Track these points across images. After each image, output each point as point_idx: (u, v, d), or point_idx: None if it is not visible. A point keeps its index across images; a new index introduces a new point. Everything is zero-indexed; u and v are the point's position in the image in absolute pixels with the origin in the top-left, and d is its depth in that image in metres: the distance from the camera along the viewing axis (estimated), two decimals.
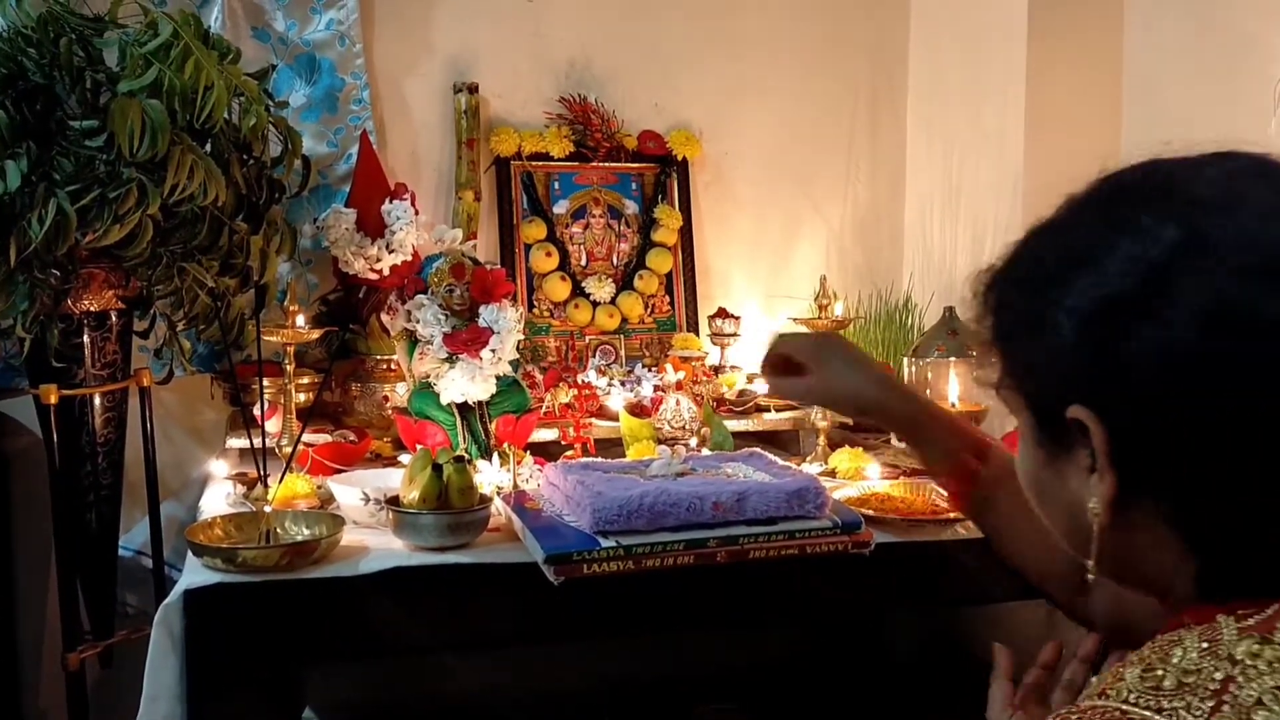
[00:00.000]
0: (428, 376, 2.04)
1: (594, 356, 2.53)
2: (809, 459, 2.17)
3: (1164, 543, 0.74)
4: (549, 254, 2.56)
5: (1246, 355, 0.67)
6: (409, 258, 2.28)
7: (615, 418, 2.19)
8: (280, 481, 1.84)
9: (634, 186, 2.67)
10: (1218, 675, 0.64)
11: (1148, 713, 0.63)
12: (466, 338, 2.01)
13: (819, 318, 2.18)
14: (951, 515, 1.81)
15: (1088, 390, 0.72)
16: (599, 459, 1.99)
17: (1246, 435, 0.68)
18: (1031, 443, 0.79)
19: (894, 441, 2.33)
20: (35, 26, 1.78)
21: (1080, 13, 2.43)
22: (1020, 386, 0.79)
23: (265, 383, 2.06)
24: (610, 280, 2.60)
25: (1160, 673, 0.66)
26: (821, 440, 2.19)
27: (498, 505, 1.77)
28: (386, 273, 2.27)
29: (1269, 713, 0.61)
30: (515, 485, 1.87)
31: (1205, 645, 0.66)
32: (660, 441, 2.11)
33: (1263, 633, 0.66)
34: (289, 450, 1.96)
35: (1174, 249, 0.70)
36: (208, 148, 1.90)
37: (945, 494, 1.64)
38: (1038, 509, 0.83)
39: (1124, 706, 0.64)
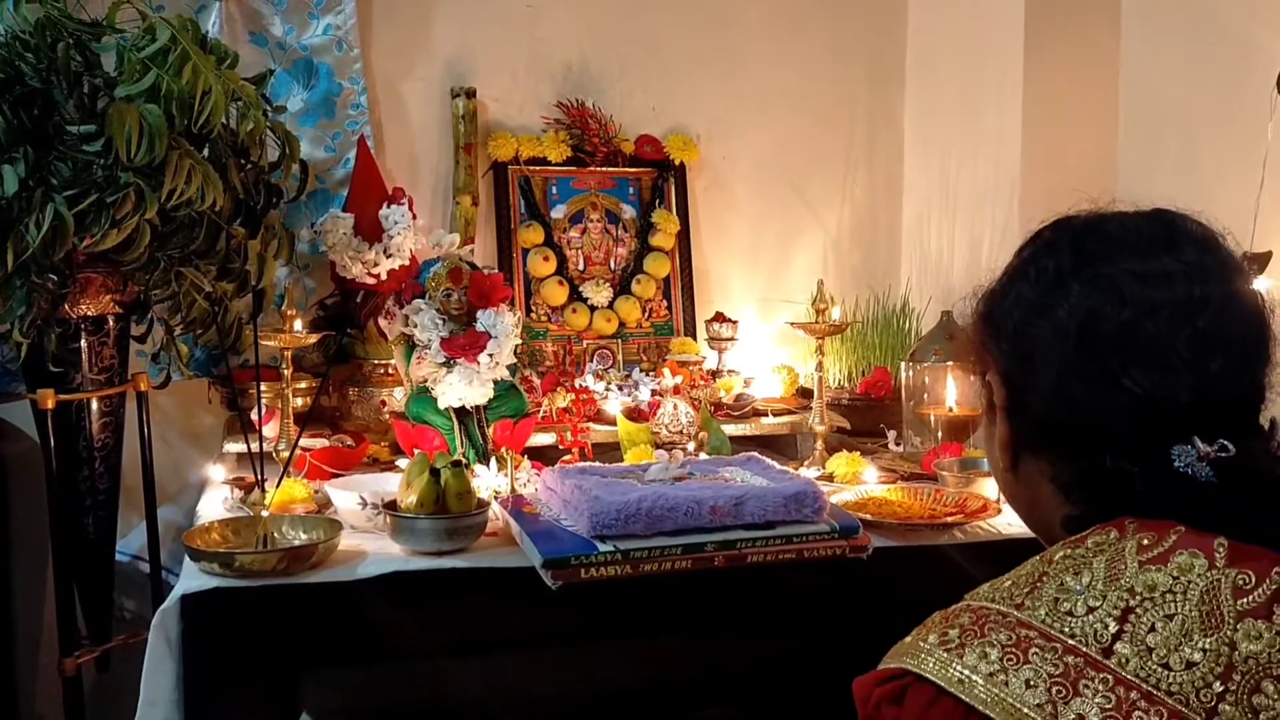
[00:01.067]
0: (425, 381, 2.04)
1: (591, 361, 2.53)
2: (806, 463, 2.17)
3: (1044, 489, 0.94)
4: (546, 258, 2.56)
5: (1099, 348, 0.88)
6: (406, 262, 2.29)
7: (613, 422, 2.19)
8: (278, 486, 1.84)
9: (631, 191, 2.67)
10: (1037, 572, 0.86)
11: (985, 602, 0.86)
12: (464, 342, 2.01)
13: (816, 322, 2.18)
14: (949, 520, 1.82)
15: (997, 361, 0.97)
16: (596, 463, 1.99)
17: (1095, 409, 0.88)
18: (982, 411, 1.03)
19: (891, 445, 2.33)
20: (33, 31, 1.78)
21: (1077, 18, 2.43)
22: (978, 366, 1.01)
23: (263, 387, 2.06)
24: (608, 285, 2.60)
25: (1006, 580, 0.88)
26: (819, 444, 2.19)
27: (495, 510, 1.77)
28: (384, 277, 2.27)
29: (1066, 593, 0.83)
30: (513, 490, 1.87)
31: (1038, 559, 0.88)
32: (658, 446, 2.11)
33: (1075, 544, 0.87)
34: (286, 455, 1.95)
35: (1063, 260, 0.93)
36: (205, 152, 1.90)
37: None
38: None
39: (970, 602, 0.87)
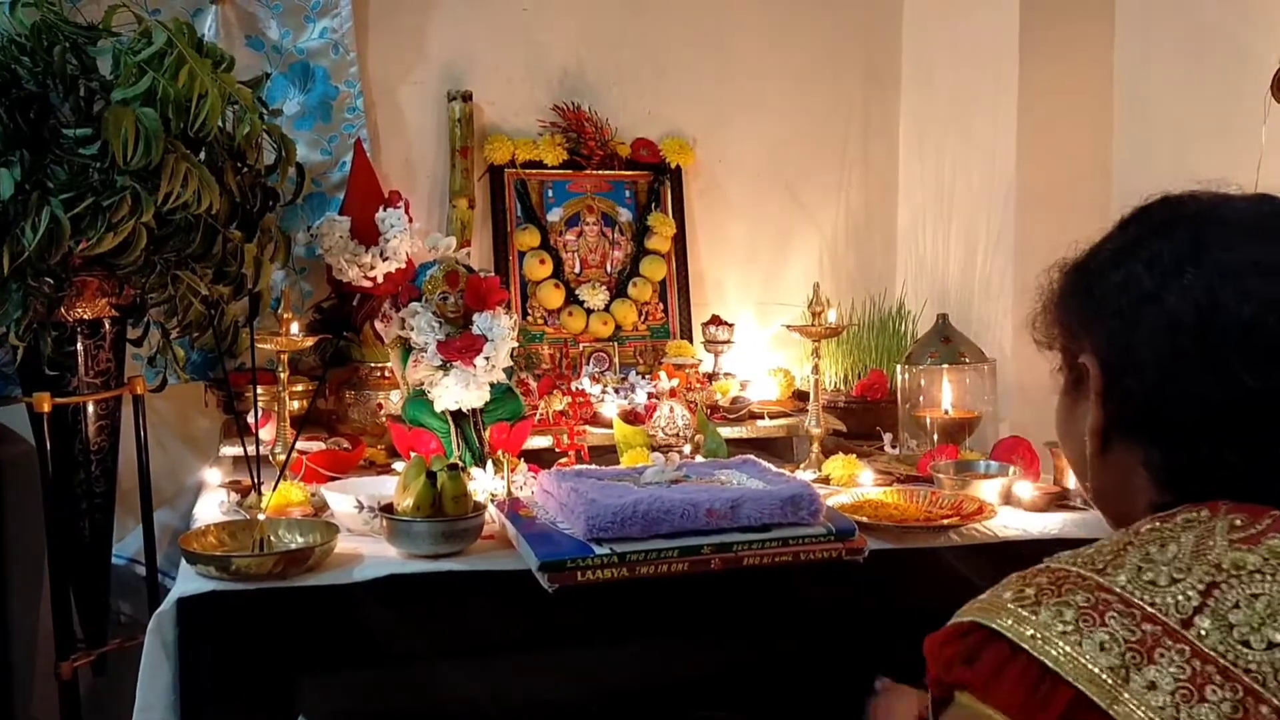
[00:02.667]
0: (422, 384, 2.04)
1: (588, 364, 2.54)
2: (803, 466, 2.18)
3: (1135, 475, 0.93)
4: (543, 261, 2.56)
5: (1216, 340, 0.86)
6: (403, 265, 2.29)
7: (609, 425, 2.20)
8: (274, 489, 1.84)
9: (627, 194, 2.67)
10: (1122, 542, 0.86)
11: (1065, 565, 0.85)
12: (460, 345, 2.01)
13: (813, 325, 2.18)
14: (945, 522, 1.82)
15: (1096, 343, 0.94)
16: (593, 466, 1.99)
17: (1204, 399, 0.87)
18: (1062, 390, 1.01)
19: (887, 448, 2.33)
20: (29, 34, 1.78)
21: (1072, 24, 2.44)
22: (1061, 344, 1.00)
23: (259, 390, 2.06)
24: (604, 288, 2.61)
25: (1088, 548, 0.87)
26: (815, 447, 2.20)
27: (492, 513, 1.77)
28: (380, 280, 2.27)
29: (1151, 563, 0.82)
30: (509, 493, 1.87)
31: (1124, 531, 0.88)
32: (654, 449, 2.11)
33: (1164, 519, 0.87)
34: (283, 458, 1.95)
35: (1180, 246, 0.90)
36: (202, 156, 1.90)
37: None
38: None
39: (1050, 564, 0.86)
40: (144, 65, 1.75)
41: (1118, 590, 0.81)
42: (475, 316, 2.05)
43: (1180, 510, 0.87)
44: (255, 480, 1.88)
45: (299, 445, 2.01)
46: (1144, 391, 0.90)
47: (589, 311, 2.58)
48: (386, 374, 2.30)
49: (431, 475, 1.65)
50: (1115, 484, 0.96)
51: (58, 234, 1.70)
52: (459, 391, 2.01)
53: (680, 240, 2.68)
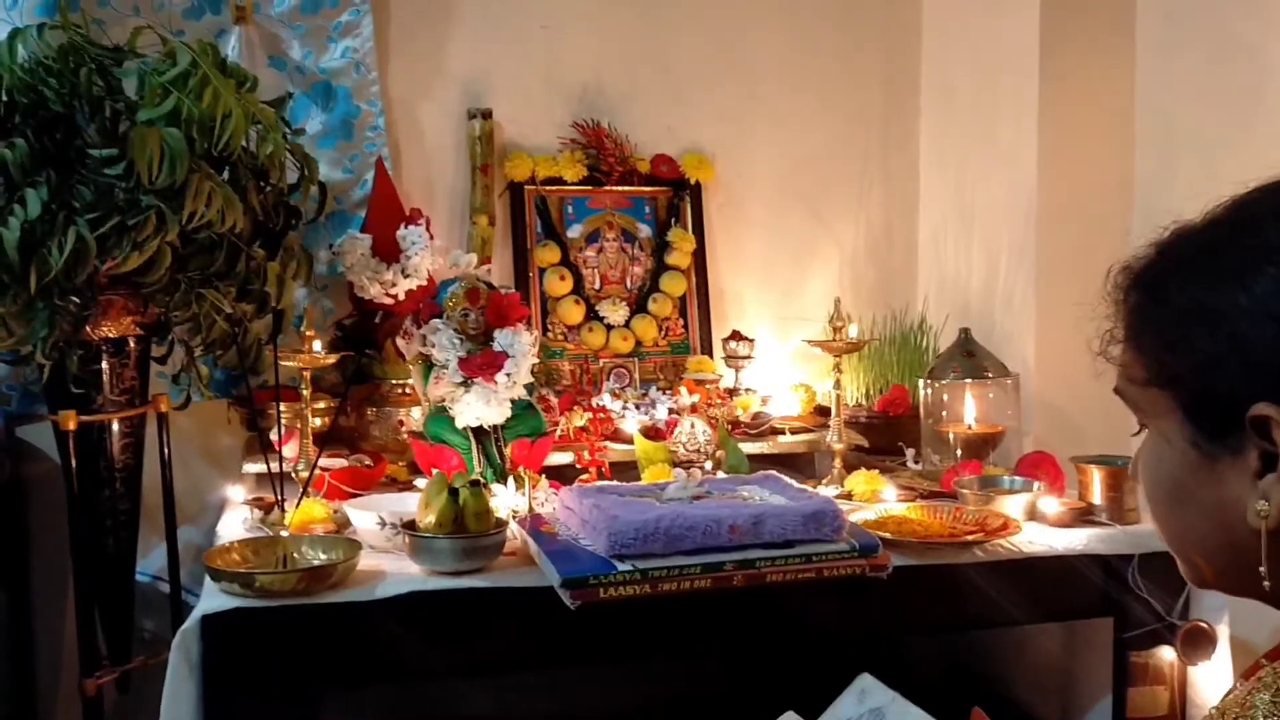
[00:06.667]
0: (443, 400, 2.04)
1: (608, 380, 2.54)
2: (825, 481, 2.17)
3: None
4: (563, 278, 2.57)
5: None
6: (424, 282, 2.30)
7: (630, 441, 2.19)
8: (297, 506, 1.85)
9: (647, 210, 2.67)
10: None
11: None
12: (481, 362, 2.01)
13: (834, 340, 2.18)
14: (969, 538, 1.81)
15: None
16: (614, 482, 1.99)
17: None
18: (1181, 444, 0.75)
19: (909, 463, 2.32)
20: (55, 56, 1.80)
21: (1093, 35, 2.43)
22: (1181, 384, 0.75)
23: (282, 408, 2.07)
24: (624, 303, 2.61)
25: None
26: (837, 463, 2.19)
27: (513, 529, 1.77)
28: (402, 297, 2.28)
29: None
30: (531, 509, 1.87)
31: None
32: (675, 464, 2.11)
33: None
34: (305, 475, 1.96)
35: None
36: (225, 175, 1.91)
37: None
38: (1167, 513, 0.79)
39: None
40: (169, 86, 1.77)
41: None
42: (496, 333, 2.05)
43: None
44: (278, 497, 1.89)
45: (321, 462, 2.02)
46: None
47: (609, 327, 2.58)
48: (408, 391, 2.31)
49: (453, 492, 1.66)
50: None
51: (83, 253, 1.71)
52: (480, 408, 2.01)
53: (700, 256, 2.68)
